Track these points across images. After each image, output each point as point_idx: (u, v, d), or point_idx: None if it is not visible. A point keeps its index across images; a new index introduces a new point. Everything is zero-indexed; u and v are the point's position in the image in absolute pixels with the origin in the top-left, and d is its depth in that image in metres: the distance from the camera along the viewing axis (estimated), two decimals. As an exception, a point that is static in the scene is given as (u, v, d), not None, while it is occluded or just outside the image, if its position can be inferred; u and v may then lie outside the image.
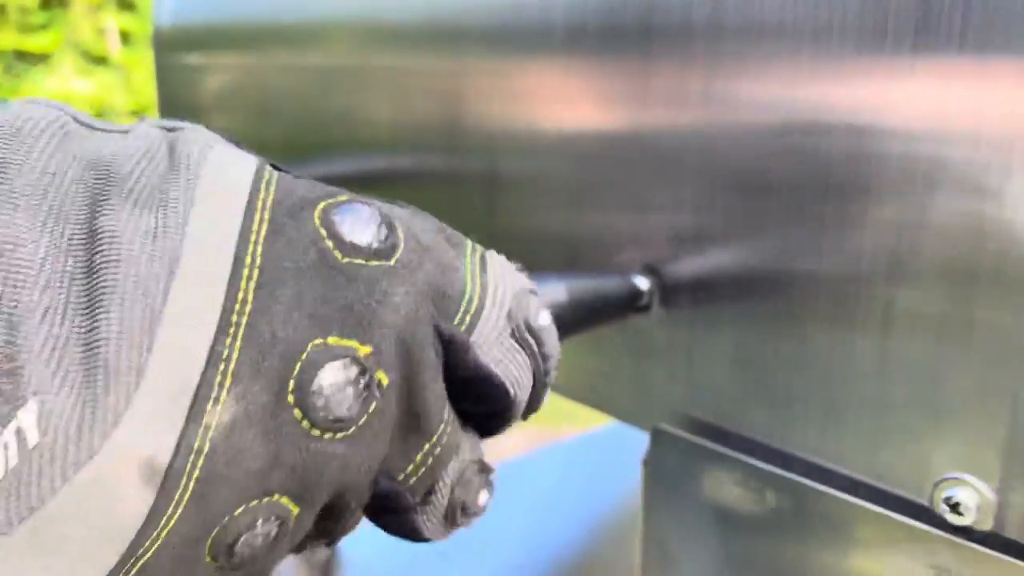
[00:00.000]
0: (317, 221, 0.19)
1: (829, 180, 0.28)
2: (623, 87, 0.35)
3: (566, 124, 0.37)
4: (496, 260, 0.23)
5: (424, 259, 0.20)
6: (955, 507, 0.26)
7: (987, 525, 0.26)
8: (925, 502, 0.27)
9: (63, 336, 0.16)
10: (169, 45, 0.68)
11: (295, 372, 0.18)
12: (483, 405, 0.22)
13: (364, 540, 0.82)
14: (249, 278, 0.18)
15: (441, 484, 0.22)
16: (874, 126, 0.27)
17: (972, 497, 0.26)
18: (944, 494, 0.27)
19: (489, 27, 0.40)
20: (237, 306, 0.17)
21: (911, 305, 0.27)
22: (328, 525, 0.21)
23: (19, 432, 0.15)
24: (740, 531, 0.32)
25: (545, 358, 0.23)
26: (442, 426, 0.21)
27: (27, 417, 0.16)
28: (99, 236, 0.17)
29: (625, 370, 0.36)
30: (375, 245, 0.19)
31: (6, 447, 0.15)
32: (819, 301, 0.29)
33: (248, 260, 0.18)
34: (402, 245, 0.20)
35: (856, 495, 0.29)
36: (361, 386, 0.19)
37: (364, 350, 0.19)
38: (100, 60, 4.44)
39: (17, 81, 4.36)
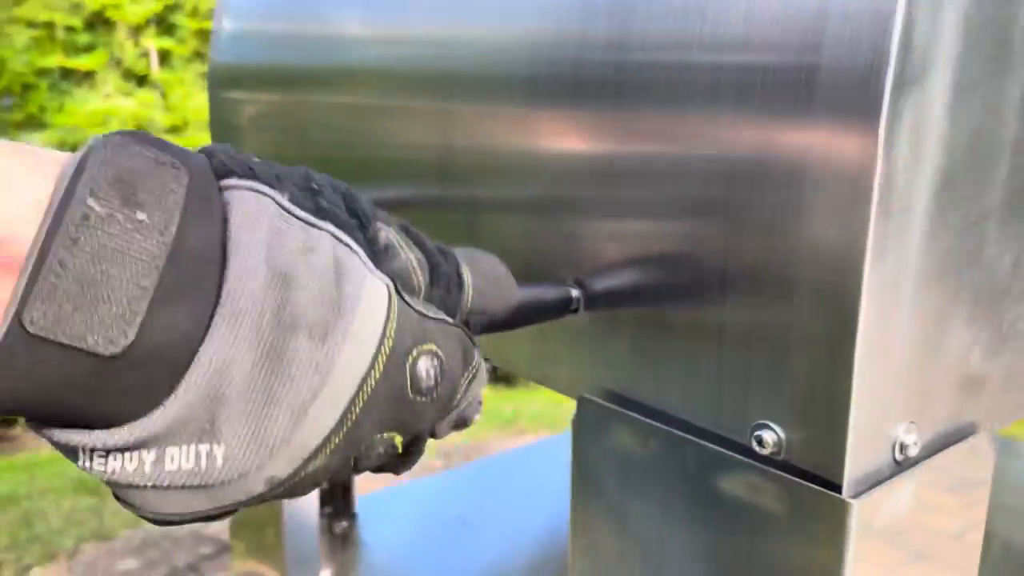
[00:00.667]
0: (408, 373, 0.32)
1: (684, 219, 0.41)
2: (556, 137, 0.48)
3: (524, 165, 0.50)
4: (481, 376, 0.37)
5: (448, 392, 0.35)
6: (761, 443, 0.39)
7: (780, 456, 0.39)
8: (745, 441, 0.40)
9: (249, 412, 0.29)
10: (222, 80, 0.83)
11: (361, 450, 0.33)
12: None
13: (381, 514, 0.95)
14: (361, 402, 0.31)
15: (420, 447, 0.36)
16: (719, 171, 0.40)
17: (771, 436, 0.39)
18: (755, 434, 0.39)
19: (470, 78, 0.53)
20: (349, 418, 0.31)
21: (734, 309, 0.40)
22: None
23: (211, 453, 0.29)
24: (633, 467, 0.45)
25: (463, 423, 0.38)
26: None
27: (219, 451, 0.29)
28: (283, 358, 0.29)
29: (561, 355, 0.49)
30: (429, 389, 0.33)
31: (198, 456, 0.29)
32: (680, 307, 0.42)
33: (364, 392, 0.31)
34: (441, 388, 0.34)
35: (703, 439, 0.41)
36: (392, 454, 0.34)
37: (399, 440, 0.34)
38: (141, 79, 4.66)
39: (63, 98, 4.58)
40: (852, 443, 0.36)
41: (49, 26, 4.49)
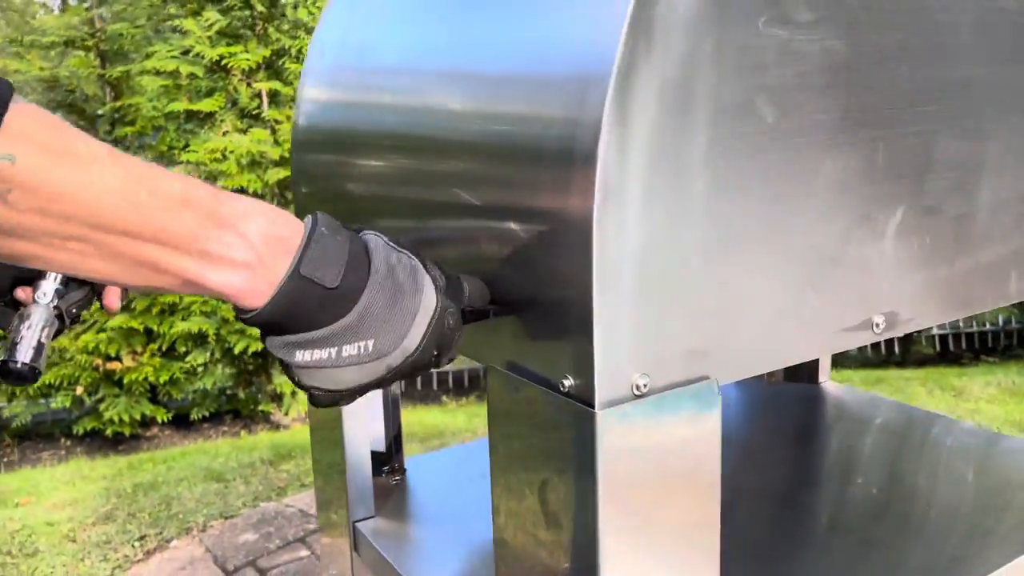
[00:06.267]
0: (448, 318, 0.69)
1: (515, 270, 0.75)
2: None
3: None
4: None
5: (457, 326, 0.70)
6: (563, 386, 0.72)
7: (571, 392, 0.72)
8: (558, 385, 0.73)
9: (385, 321, 0.65)
10: (301, 143, 1.20)
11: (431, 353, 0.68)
12: None
13: (423, 470, 1.32)
14: (434, 322, 0.67)
15: None
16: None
17: (567, 382, 0.72)
18: (561, 381, 0.72)
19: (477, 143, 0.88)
20: (430, 328, 0.67)
21: (547, 320, 0.73)
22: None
23: (365, 345, 0.64)
24: (514, 402, 0.79)
25: None
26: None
27: (371, 343, 0.64)
28: (397, 299, 0.65)
29: (484, 341, 0.84)
30: (454, 327, 0.69)
31: (359, 347, 0.64)
32: (529, 318, 0.75)
33: (433, 319, 0.67)
34: (455, 326, 0.70)
35: (541, 384, 0.75)
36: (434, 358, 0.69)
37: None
38: (254, 118, 5.22)
39: (187, 137, 5.19)
40: (598, 386, 0.69)
41: (175, 74, 5.10)
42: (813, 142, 0.78)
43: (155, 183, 0.55)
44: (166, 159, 5.16)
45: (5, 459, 5.23)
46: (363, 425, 1.24)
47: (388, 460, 1.41)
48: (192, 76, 5.13)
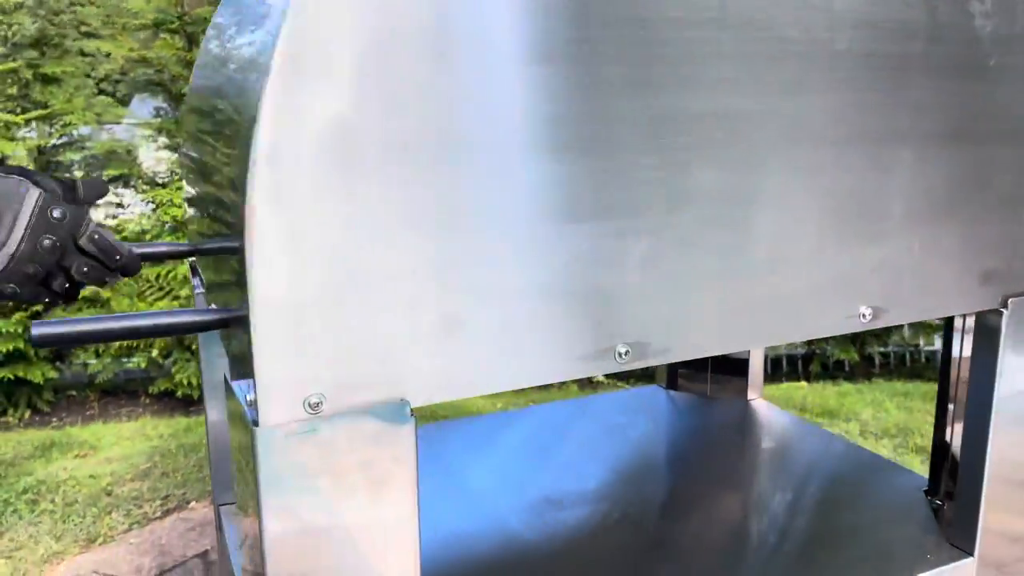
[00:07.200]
0: (49, 213, 0.78)
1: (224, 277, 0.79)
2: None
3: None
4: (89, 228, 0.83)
5: (70, 223, 0.81)
6: (249, 400, 0.77)
7: (255, 409, 0.76)
8: (245, 401, 0.78)
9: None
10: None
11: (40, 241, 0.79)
12: None
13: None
14: (34, 219, 0.78)
15: None
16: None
17: (249, 396, 0.76)
18: (246, 398, 0.77)
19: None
20: (32, 222, 0.77)
21: (239, 340, 0.77)
22: None
23: None
24: (235, 419, 0.83)
25: None
26: None
27: None
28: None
29: (236, 349, 0.89)
30: (60, 216, 0.80)
31: None
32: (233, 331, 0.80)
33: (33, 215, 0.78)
34: (66, 220, 0.81)
35: (231, 395, 0.79)
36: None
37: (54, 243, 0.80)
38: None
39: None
40: (262, 402, 0.73)
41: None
42: (509, 174, 0.79)
43: None
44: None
45: (87, 412, 5.66)
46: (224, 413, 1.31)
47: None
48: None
